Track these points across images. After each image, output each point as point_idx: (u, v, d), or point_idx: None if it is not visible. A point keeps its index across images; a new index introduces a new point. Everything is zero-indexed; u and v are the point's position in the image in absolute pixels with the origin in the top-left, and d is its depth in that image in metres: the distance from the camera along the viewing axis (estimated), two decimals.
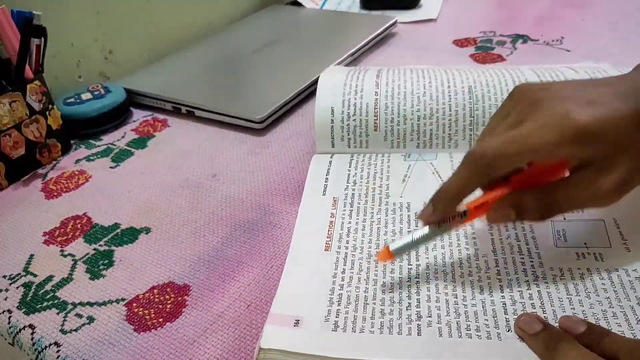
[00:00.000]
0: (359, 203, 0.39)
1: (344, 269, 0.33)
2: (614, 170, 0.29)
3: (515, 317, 0.29)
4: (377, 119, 0.44)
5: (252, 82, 0.59)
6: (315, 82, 0.58)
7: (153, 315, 0.33)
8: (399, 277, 0.32)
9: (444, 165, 0.41)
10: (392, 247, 0.31)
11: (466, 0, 0.85)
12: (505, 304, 0.30)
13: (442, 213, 0.31)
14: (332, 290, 0.32)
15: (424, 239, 0.31)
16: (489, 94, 0.43)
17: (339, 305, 0.31)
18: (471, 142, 0.43)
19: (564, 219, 0.35)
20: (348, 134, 0.44)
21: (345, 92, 0.45)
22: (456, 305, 0.30)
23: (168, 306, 0.34)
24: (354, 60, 0.65)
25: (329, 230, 0.37)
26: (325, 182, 0.41)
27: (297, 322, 0.30)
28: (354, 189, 0.40)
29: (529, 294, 0.30)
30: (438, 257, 0.34)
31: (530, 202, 0.30)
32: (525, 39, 0.68)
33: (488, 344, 0.28)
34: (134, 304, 0.34)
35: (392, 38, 0.73)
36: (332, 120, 0.44)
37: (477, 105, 0.43)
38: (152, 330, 0.32)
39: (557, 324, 0.28)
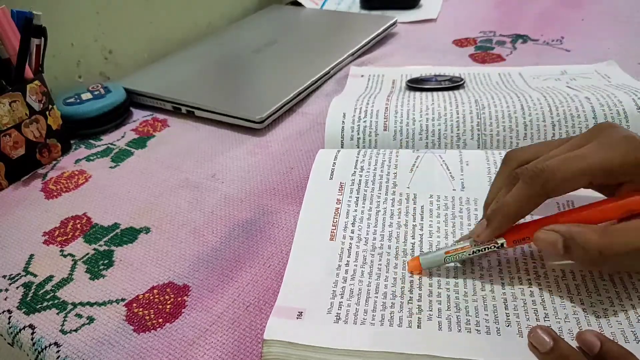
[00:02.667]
0: (365, 190, 0.39)
1: (347, 261, 0.34)
2: None
3: (516, 313, 0.29)
4: (387, 120, 0.45)
5: (252, 82, 0.59)
6: (316, 82, 0.58)
7: (153, 315, 0.33)
8: (402, 272, 0.33)
9: (453, 158, 0.41)
10: (424, 263, 0.32)
11: (466, 0, 0.85)
12: (506, 299, 0.30)
13: (497, 231, 0.30)
14: (336, 283, 0.32)
15: (456, 258, 0.31)
16: (495, 108, 0.45)
17: (341, 297, 0.31)
18: (479, 142, 0.44)
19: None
20: (358, 134, 0.45)
21: (357, 106, 0.48)
22: (457, 300, 0.30)
23: (168, 306, 0.34)
24: (354, 60, 0.65)
25: (334, 218, 0.37)
26: (333, 166, 0.41)
27: (300, 314, 0.30)
28: (361, 175, 0.40)
29: (530, 291, 0.30)
30: None
31: (584, 237, 0.27)
32: (525, 39, 0.68)
33: (487, 339, 0.28)
34: (134, 304, 0.34)
35: (392, 38, 0.73)
36: (343, 122, 0.46)
37: (484, 111, 0.45)
38: (152, 330, 0.32)
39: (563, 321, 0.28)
